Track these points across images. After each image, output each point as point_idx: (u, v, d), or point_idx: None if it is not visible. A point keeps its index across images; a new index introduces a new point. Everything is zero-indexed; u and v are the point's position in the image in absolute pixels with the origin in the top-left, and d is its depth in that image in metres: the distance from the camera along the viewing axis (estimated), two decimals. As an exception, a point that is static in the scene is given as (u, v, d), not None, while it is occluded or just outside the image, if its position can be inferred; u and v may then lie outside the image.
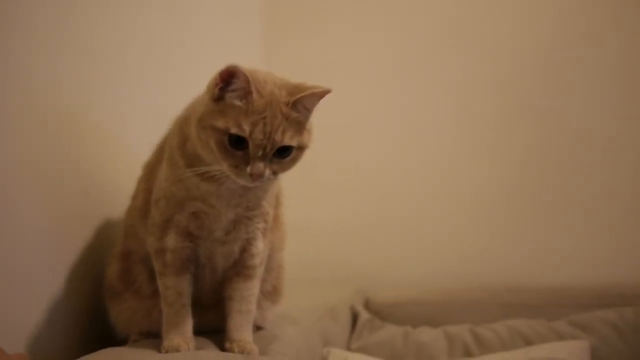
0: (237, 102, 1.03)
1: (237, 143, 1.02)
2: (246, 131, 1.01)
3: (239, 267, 1.20)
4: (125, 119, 1.45)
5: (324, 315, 1.81)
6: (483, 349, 1.85)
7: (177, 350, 1.10)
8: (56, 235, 1.23)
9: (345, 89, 2.39)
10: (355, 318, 2.06)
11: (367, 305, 2.17)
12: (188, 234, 1.15)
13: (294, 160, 1.09)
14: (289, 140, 1.05)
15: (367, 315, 2.07)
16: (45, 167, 1.19)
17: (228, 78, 1.03)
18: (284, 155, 1.06)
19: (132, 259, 1.25)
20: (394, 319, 2.09)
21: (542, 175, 2.27)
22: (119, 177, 1.36)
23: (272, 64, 2.27)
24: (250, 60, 2.24)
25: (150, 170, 1.23)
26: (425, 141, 2.37)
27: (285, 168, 1.08)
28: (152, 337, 1.21)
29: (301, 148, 1.08)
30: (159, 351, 1.11)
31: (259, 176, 1.03)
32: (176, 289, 1.15)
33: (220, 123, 1.02)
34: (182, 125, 1.13)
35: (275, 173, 1.06)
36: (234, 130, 1.02)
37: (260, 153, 1.03)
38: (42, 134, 1.18)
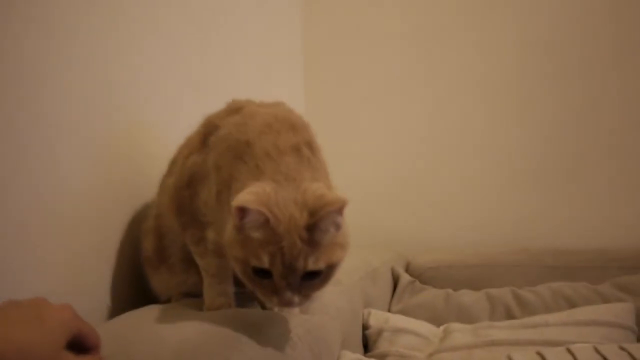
0: (255, 234, 0.95)
1: (262, 273, 0.96)
2: (265, 263, 0.95)
3: None
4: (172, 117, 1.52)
5: (365, 276, 1.81)
6: (525, 311, 1.84)
7: (219, 309, 1.12)
8: (109, 212, 1.29)
9: (385, 59, 2.41)
10: (396, 280, 2.07)
11: (408, 268, 2.17)
12: None
13: (326, 279, 0.99)
14: (313, 265, 0.95)
15: (408, 278, 2.07)
16: (100, 159, 1.26)
17: (242, 213, 0.95)
18: (314, 277, 0.97)
19: (165, 242, 1.26)
20: (435, 281, 2.09)
21: (585, 138, 2.23)
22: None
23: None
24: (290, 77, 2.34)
25: (188, 153, 1.21)
26: (465, 106, 2.34)
27: (318, 288, 0.99)
28: (194, 296, 1.23)
29: (332, 266, 0.99)
30: (201, 310, 1.14)
31: (288, 305, 0.97)
32: (218, 265, 1.15)
33: (240, 254, 0.97)
34: (228, 184, 1.06)
35: (307, 296, 0.99)
36: (253, 263, 0.96)
37: (285, 282, 0.95)
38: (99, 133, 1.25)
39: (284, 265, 0.94)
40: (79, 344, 0.72)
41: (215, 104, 1.21)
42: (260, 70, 2.05)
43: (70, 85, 1.15)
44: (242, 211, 0.94)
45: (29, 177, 1.05)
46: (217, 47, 1.78)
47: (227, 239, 0.99)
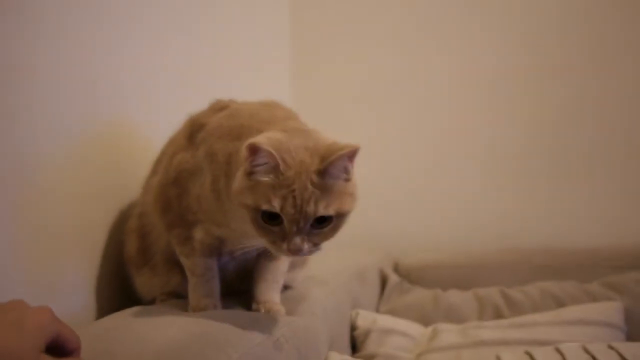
0: (265, 177, 0.95)
1: (272, 219, 0.96)
2: (276, 207, 0.94)
3: (266, 250, 1.19)
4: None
5: (352, 277, 1.80)
6: (514, 311, 1.83)
7: (204, 310, 1.11)
8: (93, 212, 1.28)
9: (371, 59, 2.40)
10: (384, 281, 2.06)
11: (396, 268, 2.16)
12: (217, 237, 1.14)
13: (336, 228, 1.00)
14: (324, 210, 0.95)
15: (396, 278, 2.06)
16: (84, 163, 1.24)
17: (253, 153, 0.95)
18: (324, 225, 0.97)
19: (148, 242, 1.25)
20: (423, 282, 2.08)
21: (573, 136, 2.22)
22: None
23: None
24: (277, 78, 2.32)
25: (173, 152, 1.20)
26: (453, 106, 2.33)
27: (327, 237, 0.99)
28: (178, 297, 1.22)
29: (342, 215, 1.00)
30: (186, 311, 1.12)
31: (297, 252, 0.97)
32: (205, 265, 1.15)
33: (250, 200, 0.96)
34: (227, 168, 1.06)
35: (316, 244, 0.98)
36: (264, 207, 0.95)
37: (295, 228, 0.95)
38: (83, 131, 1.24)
39: (295, 210, 0.95)
40: (59, 347, 0.70)
41: (201, 105, 1.20)
42: (248, 70, 2.04)
43: (55, 85, 1.14)
44: (253, 150, 0.95)
45: (11, 177, 1.03)
46: (204, 47, 1.77)
47: (236, 187, 0.98)
